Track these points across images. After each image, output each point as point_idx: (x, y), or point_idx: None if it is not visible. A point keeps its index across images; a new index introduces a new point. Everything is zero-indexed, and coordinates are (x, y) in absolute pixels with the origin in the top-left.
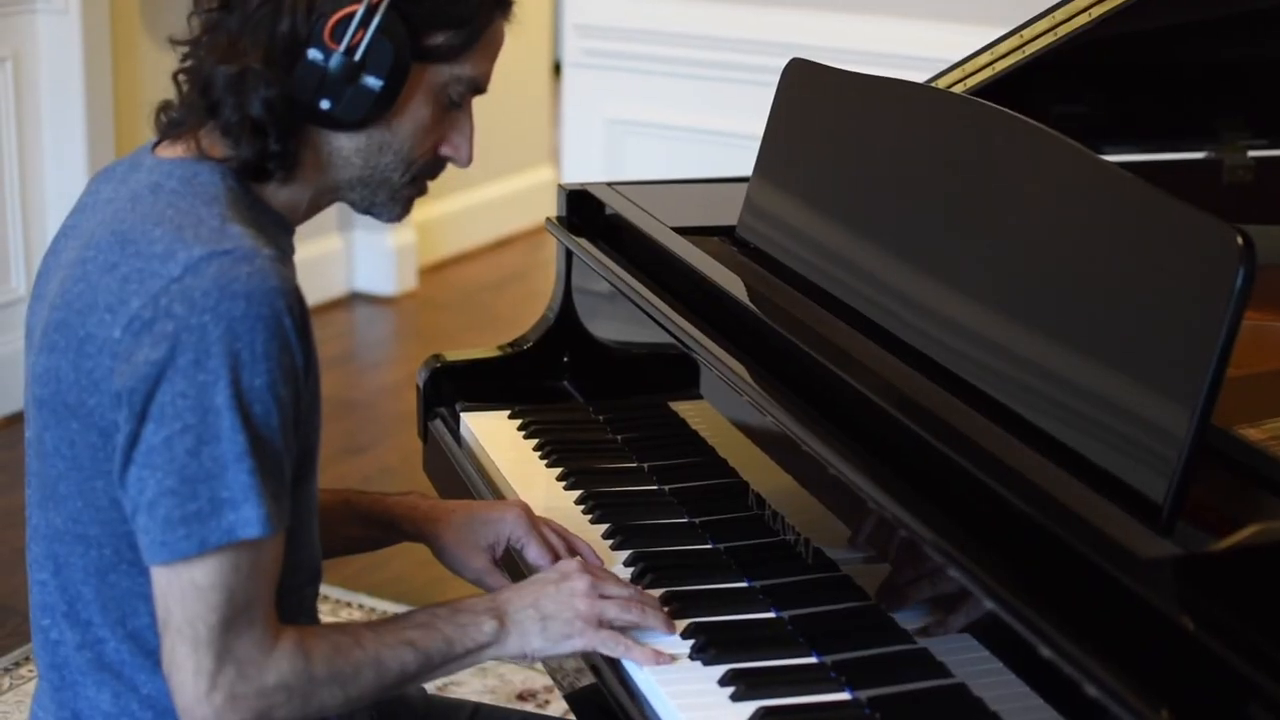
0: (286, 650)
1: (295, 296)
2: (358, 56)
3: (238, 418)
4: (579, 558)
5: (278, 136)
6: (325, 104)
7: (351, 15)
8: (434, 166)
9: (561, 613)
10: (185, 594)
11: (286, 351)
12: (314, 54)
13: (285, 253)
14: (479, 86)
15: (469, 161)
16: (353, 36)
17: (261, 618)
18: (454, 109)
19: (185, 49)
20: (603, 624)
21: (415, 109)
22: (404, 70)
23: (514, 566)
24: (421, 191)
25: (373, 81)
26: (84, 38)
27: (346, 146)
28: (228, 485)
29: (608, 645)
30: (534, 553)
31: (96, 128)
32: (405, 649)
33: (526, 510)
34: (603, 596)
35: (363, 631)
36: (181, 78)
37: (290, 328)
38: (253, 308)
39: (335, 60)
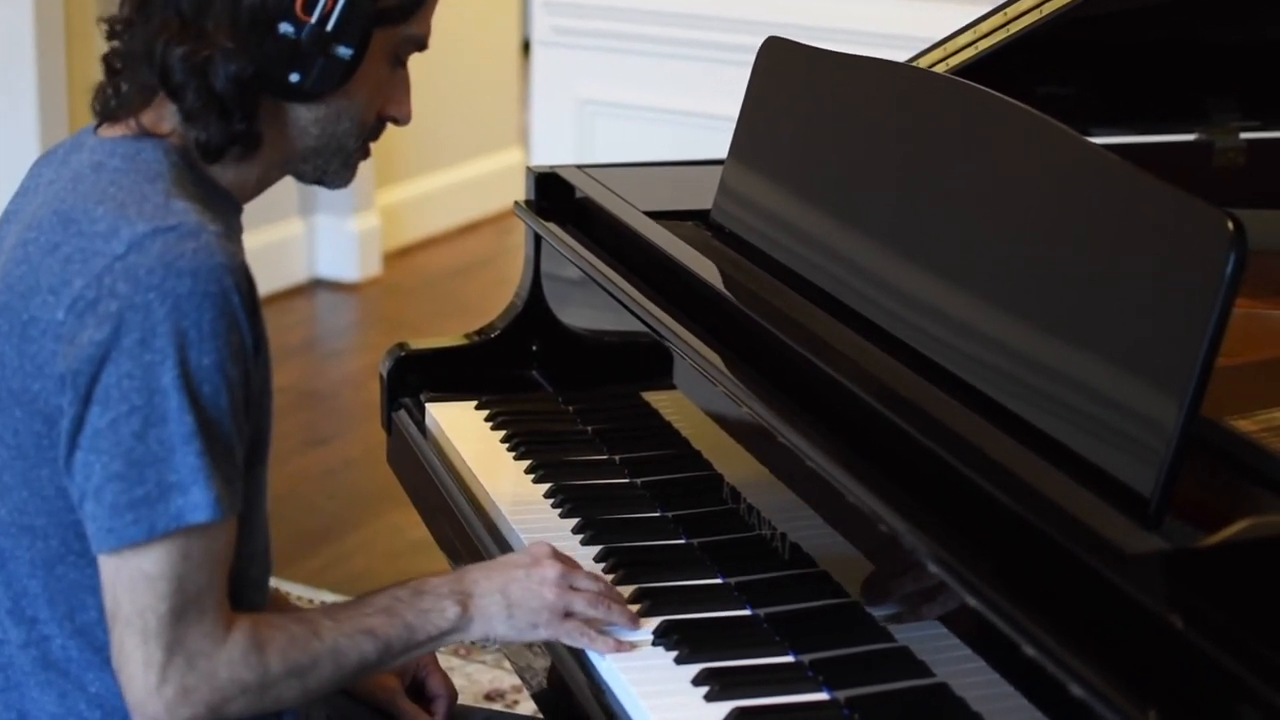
0: (240, 642)
1: (243, 273)
2: (330, 27)
3: (185, 398)
4: (547, 543)
5: (242, 115)
6: (295, 77)
7: None
8: (378, 128)
9: (529, 601)
10: (134, 583)
11: (235, 330)
12: (285, 27)
13: (234, 230)
14: (424, 44)
15: (410, 119)
16: (324, 6)
17: (213, 607)
18: (399, 69)
19: (112, 30)
20: (569, 616)
21: (372, 73)
22: (369, 36)
23: None
24: (367, 155)
25: (343, 50)
26: (36, 19)
27: (305, 117)
28: (175, 468)
29: (573, 637)
30: (435, 681)
31: (49, 111)
32: (365, 638)
33: None
34: (572, 588)
35: (320, 621)
36: (115, 59)
37: (238, 305)
38: (199, 284)
39: (307, 32)
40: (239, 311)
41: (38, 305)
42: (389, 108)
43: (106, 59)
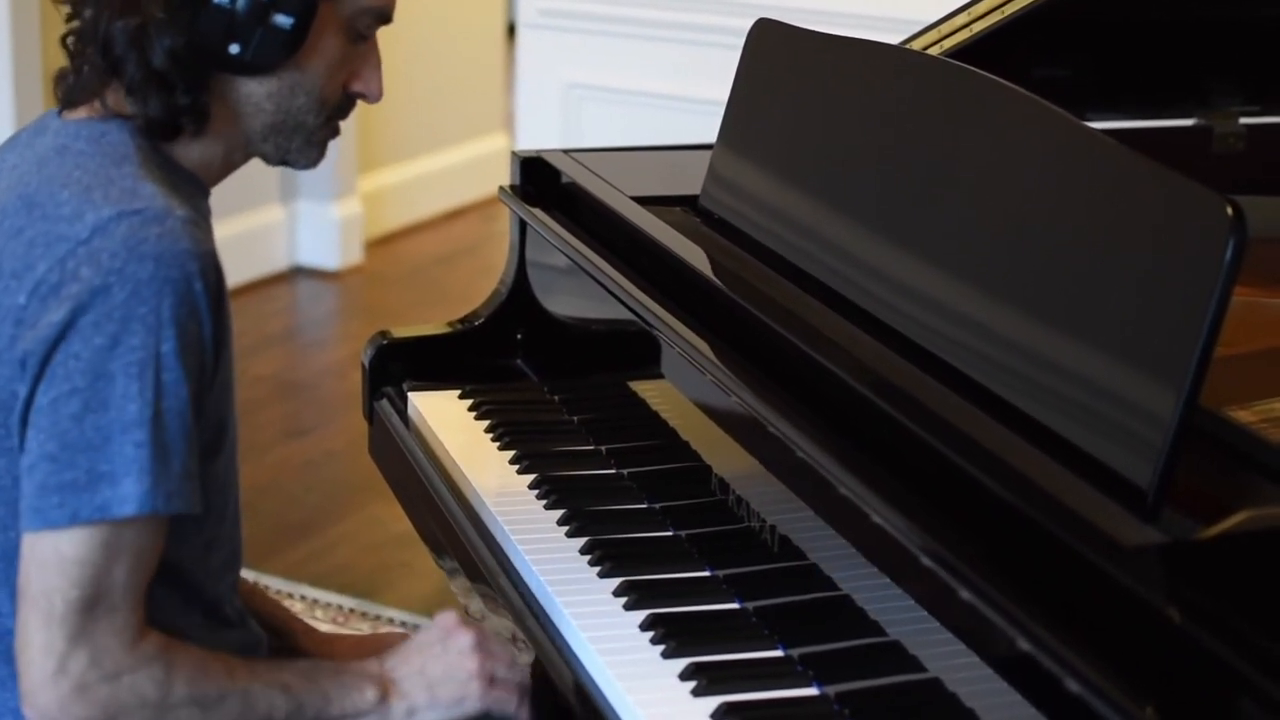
0: (149, 653)
1: (209, 260)
2: None
3: (133, 385)
4: (453, 611)
5: (185, 88)
6: (234, 49)
7: None
8: (346, 105)
9: (454, 674)
10: (46, 563)
11: (194, 319)
12: None
13: (202, 215)
14: (386, 16)
15: (380, 96)
16: None
17: (126, 607)
18: (360, 42)
19: (73, 10)
20: (495, 682)
21: (325, 46)
22: (313, 6)
23: None
24: (336, 133)
25: (283, 20)
26: (11, 4)
27: (257, 92)
28: (109, 458)
29: (503, 703)
30: None
31: (24, 97)
32: (278, 693)
33: (408, 637)
34: (489, 653)
35: (237, 663)
36: (71, 40)
37: (200, 293)
38: (161, 269)
39: (243, 2)
40: (200, 299)
41: (0, 290)
42: (354, 83)
43: (64, 41)
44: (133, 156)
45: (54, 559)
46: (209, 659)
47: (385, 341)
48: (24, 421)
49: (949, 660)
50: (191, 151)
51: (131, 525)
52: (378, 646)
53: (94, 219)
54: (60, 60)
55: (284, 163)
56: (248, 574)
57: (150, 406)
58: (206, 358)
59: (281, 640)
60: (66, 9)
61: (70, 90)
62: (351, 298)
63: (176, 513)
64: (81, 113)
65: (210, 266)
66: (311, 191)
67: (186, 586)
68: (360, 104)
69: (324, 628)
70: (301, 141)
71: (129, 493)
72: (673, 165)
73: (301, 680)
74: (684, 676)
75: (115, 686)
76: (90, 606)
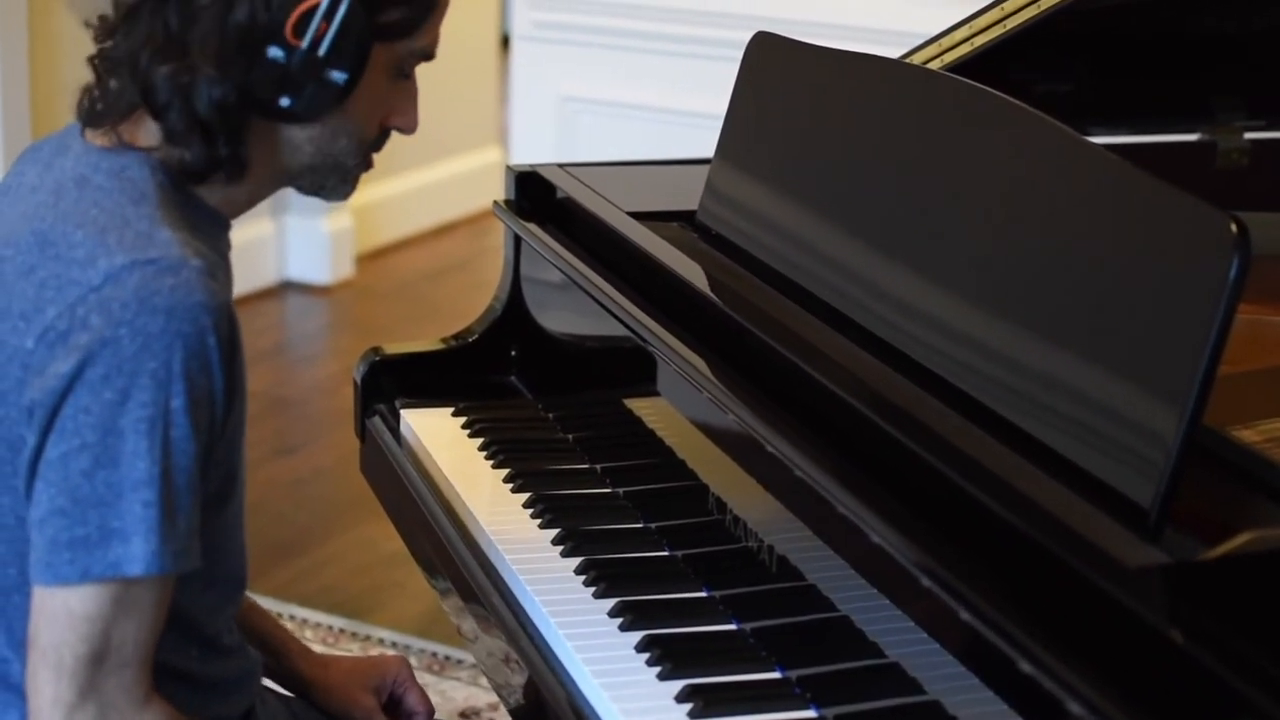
0: (159, 716)
1: (223, 313)
2: (322, 51)
3: (142, 442)
4: None
5: (227, 139)
6: (285, 102)
7: (315, 7)
8: (381, 139)
9: None
10: (56, 617)
11: (205, 373)
12: (274, 51)
13: (221, 254)
14: (430, 55)
15: (416, 127)
16: (316, 30)
17: (135, 663)
18: (403, 80)
19: (103, 31)
20: None
21: (371, 89)
22: (366, 57)
23: None
24: (369, 166)
25: (338, 75)
26: None
27: (299, 136)
28: (120, 514)
29: None
30: (414, 698)
31: (12, 110)
32: None
33: (406, 661)
34: None
35: None
36: (100, 63)
37: (213, 347)
38: (173, 324)
39: (298, 57)
40: (212, 354)
41: (8, 329)
42: (392, 118)
43: (92, 61)
44: (152, 196)
45: (64, 615)
46: None
47: (378, 358)
48: (32, 470)
49: (949, 682)
50: (216, 192)
51: (141, 583)
52: (372, 671)
53: (107, 266)
54: (47, 78)
55: (316, 195)
56: None
57: (159, 465)
58: (217, 411)
59: (278, 662)
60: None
61: (93, 111)
62: (342, 313)
63: (182, 571)
64: (102, 139)
65: (224, 319)
66: (301, 205)
67: (185, 623)
68: None
69: (314, 649)
70: (338, 179)
71: (139, 552)
72: (669, 180)
73: None
74: (680, 699)
75: None
76: (99, 661)
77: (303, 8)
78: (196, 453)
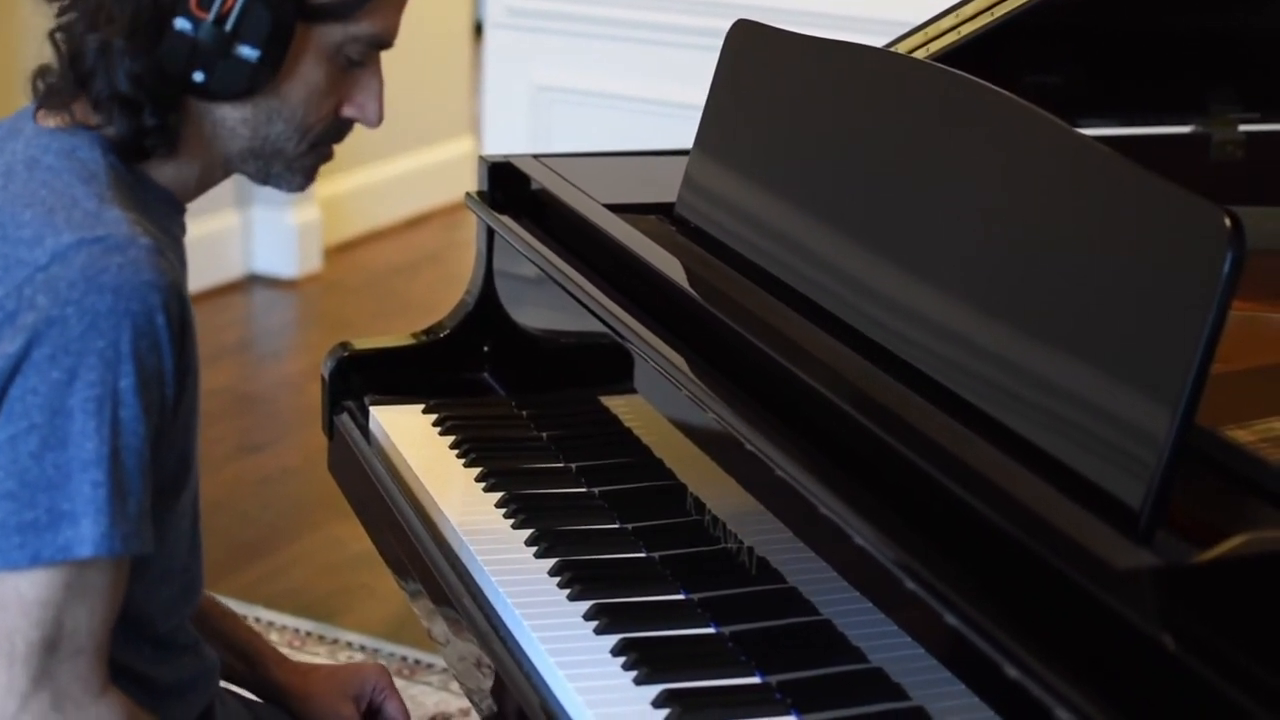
0: (116, 708)
1: (173, 292)
2: (229, 26)
3: (90, 422)
4: None
5: (153, 110)
6: (199, 76)
7: None
8: (337, 130)
9: None
10: (6, 603)
11: (155, 353)
12: (181, 24)
13: (174, 238)
14: (383, 42)
15: (378, 121)
16: (222, 4)
17: (89, 650)
18: (355, 68)
19: (62, 4)
20: None
21: (306, 73)
22: (285, 36)
23: None
24: (326, 158)
25: (248, 51)
26: None
27: (231, 117)
28: (69, 496)
29: None
30: (393, 706)
31: None
32: None
33: (385, 669)
34: None
35: None
36: (59, 37)
37: (162, 326)
38: (120, 302)
39: (205, 30)
40: (161, 333)
41: None
42: (346, 108)
43: (53, 36)
44: (102, 175)
45: (15, 600)
46: None
47: (346, 353)
48: None
49: (933, 688)
50: (165, 170)
51: (92, 566)
52: (352, 679)
53: (54, 245)
54: (5, 58)
55: (267, 183)
56: (210, 594)
57: (107, 444)
58: (167, 392)
59: (253, 669)
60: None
61: (49, 91)
62: (309, 308)
63: (134, 554)
64: (54, 120)
65: (174, 298)
66: (268, 197)
67: (138, 621)
68: None
69: (282, 652)
70: (282, 167)
71: (88, 533)
72: (647, 171)
73: None
74: (657, 704)
75: None
76: (52, 648)
77: None
78: (147, 434)
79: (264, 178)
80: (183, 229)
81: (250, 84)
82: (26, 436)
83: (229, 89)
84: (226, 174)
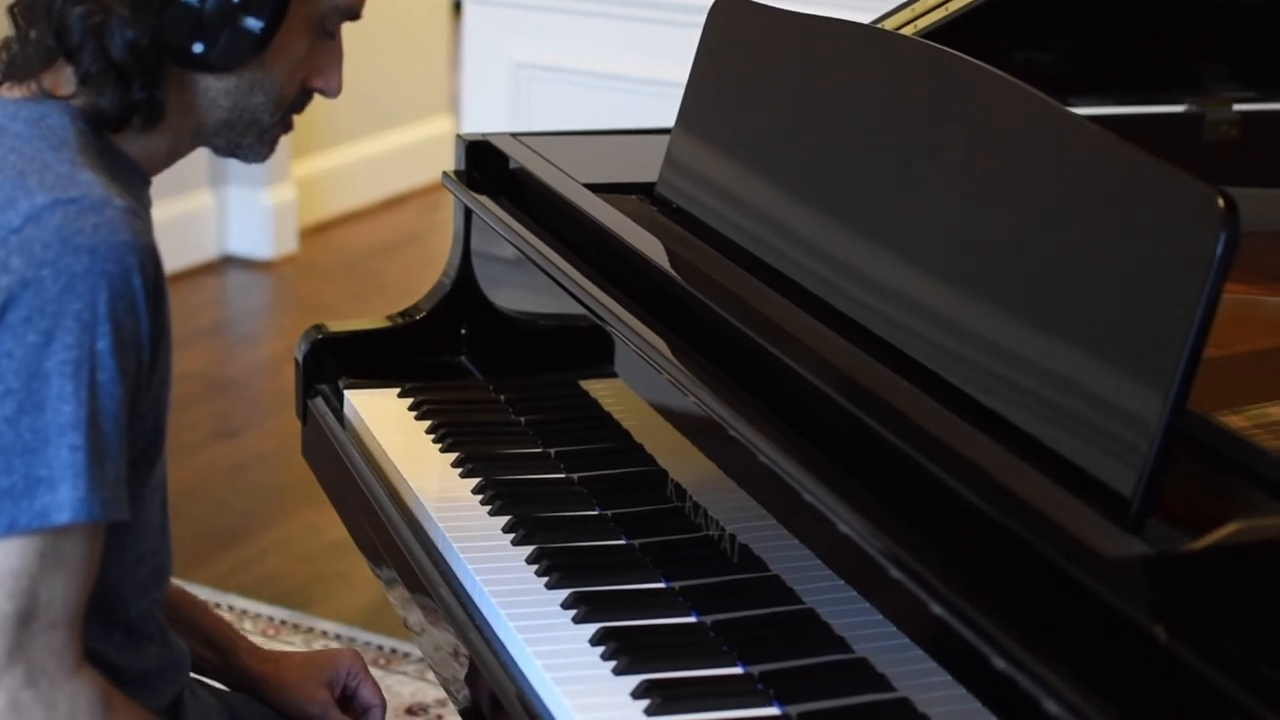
0: (91, 685)
1: (148, 254)
2: None
3: (68, 385)
4: None
5: (143, 84)
6: (198, 47)
7: None
8: (302, 100)
9: None
10: None
11: (131, 315)
12: None
13: (143, 205)
14: (355, 12)
15: (339, 91)
16: None
17: (65, 625)
18: (327, 39)
19: None
20: None
21: (291, 44)
22: (285, 7)
23: None
24: (289, 128)
25: (253, 23)
26: None
27: (215, 88)
28: (46, 461)
29: None
30: (368, 691)
31: None
32: None
33: (358, 654)
34: None
35: None
36: (19, 10)
37: (138, 288)
38: (97, 263)
39: (211, 1)
40: (138, 294)
41: None
42: (313, 79)
43: (11, 11)
44: (72, 142)
45: None
46: (145, 713)
47: (320, 336)
48: None
49: (919, 679)
50: (136, 141)
51: (69, 535)
52: (326, 665)
53: (27, 207)
54: None
55: (232, 155)
56: (176, 583)
57: (85, 408)
58: (143, 356)
59: (224, 659)
60: None
61: (12, 64)
62: (285, 289)
63: (112, 520)
64: (19, 90)
65: (149, 260)
66: (243, 176)
67: (111, 605)
68: None
69: (253, 640)
70: (254, 138)
71: (66, 499)
72: (628, 150)
73: None
74: (637, 695)
75: (52, 712)
76: (26, 621)
77: None
78: (123, 398)
79: (231, 150)
80: (149, 201)
81: (248, 55)
82: (3, 401)
83: (226, 60)
84: (194, 147)
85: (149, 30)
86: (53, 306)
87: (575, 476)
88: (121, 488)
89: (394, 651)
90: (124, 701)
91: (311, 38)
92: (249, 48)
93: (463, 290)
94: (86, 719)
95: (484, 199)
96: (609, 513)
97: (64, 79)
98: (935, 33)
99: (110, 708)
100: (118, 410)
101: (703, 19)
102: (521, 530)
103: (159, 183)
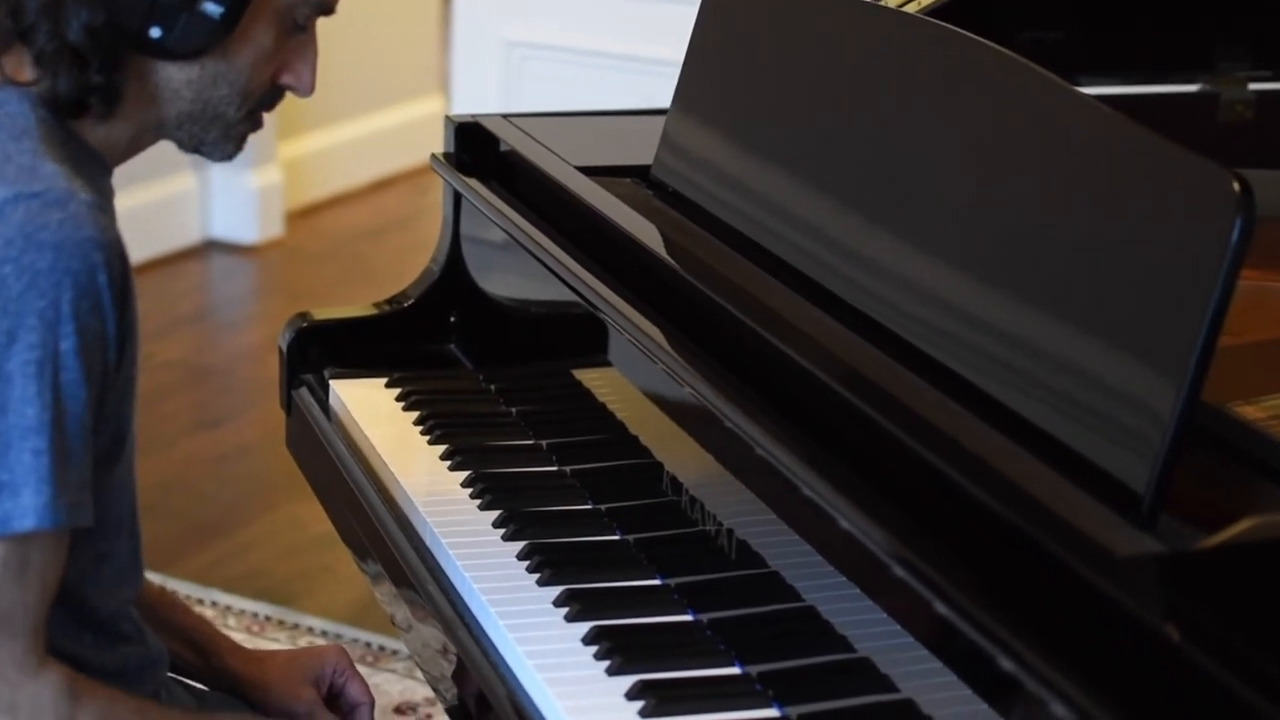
0: (53, 684)
1: (114, 250)
2: None
3: (31, 387)
4: None
5: (100, 67)
6: (155, 32)
7: None
8: (272, 97)
9: None
10: None
11: (97, 314)
12: None
13: (105, 196)
14: (327, 7)
15: (311, 90)
16: None
17: (26, 631)
18: (297, 33)
19: None
20: None
21: (256, 36)
22: None
23: None
24: (257, 126)
25: (211, 8)
26: None
27: (176, 78)
28: (8, 466)
29: None
30: (355, 688)
31: None
32: None
33: (344, 650)
34: None
35: (149, 706)
36: None
37: (104, 286)
38: (61, 260)
39: None
40: (104, 293)
41: None
42: (283, 75)
43: None
44: (33, 131)
45: None
46: (121, 695)
47: (305, 324)
48: None
49: (923, 680)
50: (98, 130)
51: (32, 541)
52: (310, 663)
53: None
54: None
55: (197, 151)
56: (157, 579)
57: (49, 410)
58: (109, 356)
59: (206, 660)
60: None
61: None
62: (270, 275)
63: (76, 526)
64: None
65: (115, 256)
66: None
67: (77, 605)
68: None
69: (237, 637)
70: (218, 134)
71: (29, 505)
72: (622, 132)
73: None
74: (631, 696)
75: (12, 715)
76: None
77: None
78: (88, 400)
79: (195, 145)
80: (112, 192)
81: (206, 43)
82: None
83: (184, 47)
84: (156, 139)
85: (104, 11)
86: (15, 305)
87: (568, 469)
88: (86, 492)
89: (382, 649)
90: (89, 686)
91: (279, 30)
92: (208, 34)
93: (452, 277)
94: (51, 717)
95: (474, 182)
96: (602, 507)
97: (24, 62)
98: (939, 10)
99: (75, 697)
100: (82, 413)
101: None
102: (512, 525)
103: (139, 166)
